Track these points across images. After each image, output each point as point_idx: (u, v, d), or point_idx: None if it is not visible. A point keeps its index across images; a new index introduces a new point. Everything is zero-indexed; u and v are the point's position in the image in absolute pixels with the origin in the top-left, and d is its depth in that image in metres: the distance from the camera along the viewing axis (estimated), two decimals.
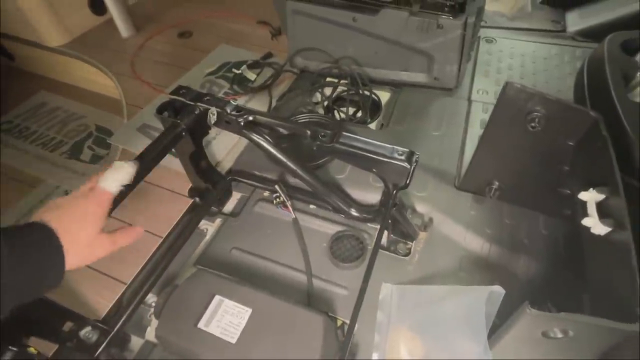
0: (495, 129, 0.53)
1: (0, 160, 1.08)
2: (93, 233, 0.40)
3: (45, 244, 0.36)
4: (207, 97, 0.60)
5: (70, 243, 0.37)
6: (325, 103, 0.95)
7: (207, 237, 0.71)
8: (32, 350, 0.40)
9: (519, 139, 0.52)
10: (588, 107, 0.54)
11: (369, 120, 0.92)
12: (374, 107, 0.95)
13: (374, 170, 0.55)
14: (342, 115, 0.95)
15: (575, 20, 1.10)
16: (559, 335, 0.31)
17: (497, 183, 0.62)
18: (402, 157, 0.51)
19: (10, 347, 0.38)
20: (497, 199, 0.64)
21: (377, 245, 0.50)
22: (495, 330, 0.38)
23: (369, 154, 0.53)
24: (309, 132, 0.57)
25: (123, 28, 1.21)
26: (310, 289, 0.59)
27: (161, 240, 0.70)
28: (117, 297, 0.62)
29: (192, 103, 0.60)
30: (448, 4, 0.79)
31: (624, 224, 0.34)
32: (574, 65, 0.98)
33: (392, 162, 0.51)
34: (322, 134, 0.56)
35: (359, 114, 0.95)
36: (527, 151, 0.53)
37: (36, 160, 1.08)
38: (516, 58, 1.02)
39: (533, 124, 0.47)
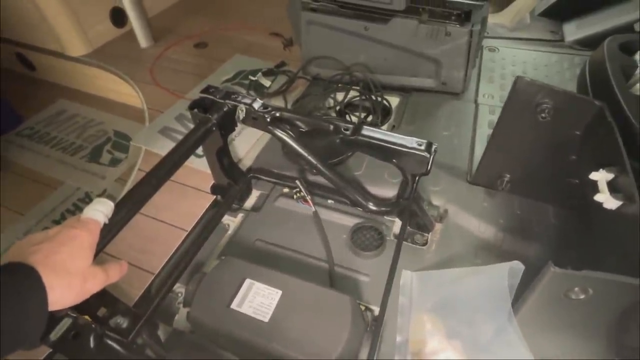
0: (506, 122, 0.57)
1: (23, 164, 1.12)
2: (85, 264, 0.37)
3: (23, 286, 0.31)
4: (236, 95, 0.64)
5: (59, 277, 0.33)
6: (338, 108, 1.00)
7: (230, 231, 0.74)
8: (87, 318, 0.42)
9: (529, 131, 0.56)
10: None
11: (380, 123, 0.97)
12: (385, 112, 0.99)
13: (394, 160, 0.58)
14: (354, 119, 0.99)
15: (572, 31, 1.17)
16: (581, 295, 0.34)
17: (508, 176, 0.65)
18: (422, 147, 0.55)
19: (69, 313, 0.40)
20: (508, 192, 0.67)
21: (403, 230, 0.53)
22: (518, 299, 0.40)
23: (390, 145, 0.57)
24: (332, 126, 0.60)
25: (142, 39, 1.27)
26: (332, 274, 0.62)
27: (186, 233, 0.73)
28: (147, 285, 0.65)
29: (221, 101, 0.64)
30: (455, 13, 0.85)
31: (634, 196, 0.37)
32: (573, 72, 1.04)
33: (412, 152, 0.55)
34: (345, 127, 0.60)
35: (370, 118, 0.99)
36: (537, 143, 0.57)
37: (57, 164, 1.12)
38: (518, 65, 1.08)
39: (543, 115, 0.51)
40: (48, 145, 1.19)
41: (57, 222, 0.95)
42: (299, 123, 0.63)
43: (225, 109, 0.64)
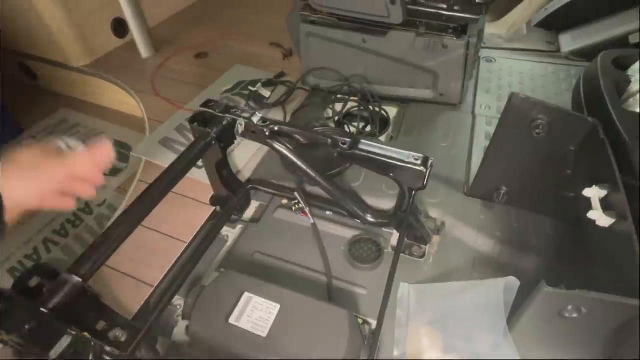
0: (502, 136, 0.58)
1: None
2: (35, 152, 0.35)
3: None
4: (235, 109, 0.65)
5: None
6: (336, 118, 1.01)
7: (229, 242, 0.75)
8: (86, 335, 0.42)
9: (525, 146, 0.57)
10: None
11: (378, 134, 0.98)
12: (383, 122, 1.00)
13: (391, 174, 0.59)
14: (353, 130, 1.00)
15: (568, 42, 1.18)
16: (574, 314, 0.34)
17: (504, 188, 0.66)
18: (418, 162, 0.55)
19: (69, 330, 0.41)
20: (505, 204, 0.68)
21: (400, 244, 0.53)
22: (513, 315, 0.41)
23: (386, 160, 0.57)
24: (330, 140, 0.61)
25: (143, 49, 1.29)
26: (330, 288, 0.62)
27: (185, 245, 0.73)
28: (145, 298, 0.65)
29: (221, 115, 0.65)
30: (452, 26, 0.86)
31: (626, 215, 0.38)
32: (569, 83, 1.05)
33: (409, 167, 0.56)
34: (342, 141, 0.61)
35: (368, 128, 1.00)
36: (533, 157, 0.58)
37: None
38: (515, 76, 1.09)
39: (538, 130, 0.52)
40: None
41: (57, 232, 0.96)
42: (297, 137, 0.64)
43: (224, 123, 0.65)
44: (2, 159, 0.33)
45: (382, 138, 0.97)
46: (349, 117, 1.04)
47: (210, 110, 0.65)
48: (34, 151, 0.36)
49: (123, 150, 1.18)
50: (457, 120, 0.93)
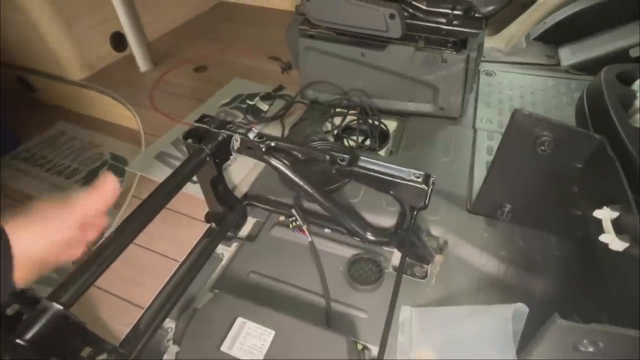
0: (505, 153, 0.56)
1: (17, 188, 1.11)
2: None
3: None
4: (230, 125, 0.64)
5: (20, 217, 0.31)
6: (335, 132, 0.99)
7: (224, 261, 0.72)
8: None
9: (529, 163, 0.55)
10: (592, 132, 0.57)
11: (378, 148, 0.96)
12: (382, 136, 0.99)
13: (391, 192, 0.57)
14: (352, 143, 0.98)
15: (568, 56, 1.18)
16: (590, 348, 0.32)
17: (508, 205, 0.64)
18: (420, 180, 0.54)
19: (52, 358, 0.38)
20: (509, 222, 0.66)
21: (402, 265, 0.51)
22: (524, 347, 0.38)
23: (386, 177, 0.55)
24: (328, 157, 0.59)
25: (142, 63, 1.29)
26: (329, 311, 0.59)
27: (178, 264, 0.71)
28: (135, 321, 0.62)
29: (216, 130, 0.63)
30: (451, 40, 0.85)
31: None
32: (570, 96, 1.04)
33: (409, 185, 0.54)
34: (341, 158, 0.59)
35: (367, 142, 0.99)
36: (537, 174, 0.56)
37: (51, 188, 1.10)
38: (515, 90, 1.08)
39: (543, 148, 0.50)
40: (44, 169, 1.18)
41: None
42: (294, 153, 0.62)
43: (219, 139, 0.63)
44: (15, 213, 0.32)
45: (382, 152, 0.95)
46: (348, 130, 1.03)
47: (204, 126, 0.64)
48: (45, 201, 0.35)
49: (119, 164, 1.16)
50: (457, 134, 0.91)
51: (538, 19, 1.31)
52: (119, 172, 1.13)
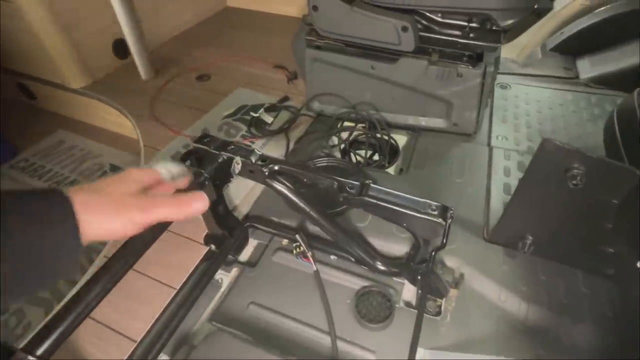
0: (531, 183, 0.52)
1: None
2: (127, 189, 0.32)
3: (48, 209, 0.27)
4: (232, 146, 0.59)
5: (93, 196, 0.30)
6: (342, 146, 0.95)
7: (223, 288, 0.68)
8: None
9: (557, 195, 0.50)
10: (625, 161, 0.52)
11: (387, 164, 0.91)
12: (392, 151, 0.94)
13: (404, 224, 0.52)
14: (359, 159, 0.94)
15: (587, 68, 1.12)
16: None
17: (530, 237, 0.59)
18: (436, 213, 0.49)
19: None
20: (531, 254, 0.61)
21: (421, 312, 0.46)
22: None
23: (399, 208, 0.51)
24: (336, 184, 0.55)
25: (143, 71, 1.25)
26: (335, 353, 0.55)
27: (174, 291, 0.67)
28: (127, 356, 0.58)
29: (216, 152, 0.59)
30: (467, 54, 0.81)
31: None
32: (590, 112, 0.98)
33: (424, 218, 0.49)
34: (350, 185, 0.54)
35: (376, 157, 0.94)
36: (566, 207, 0.51)
37: None
38: (532, 104, 1.03)
39: (574, 182, 0.46)
40: (42, 180, 1.14)
41: None
42: (299, 177, 0.58)
43: (219, 161, 0.59)
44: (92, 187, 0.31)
45: (392, 169, 0.90)
46: (355, 143, 0.98)
47: (204, 147, 0.60)
48: (123, 186, 0.33)
49: None
50: (472, 152, 0.86)
51: (553, 29, 1.26)
52: None
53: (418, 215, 0.49)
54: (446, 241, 0.47)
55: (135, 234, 0.33)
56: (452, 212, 0.49)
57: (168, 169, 0.41)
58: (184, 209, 0.35)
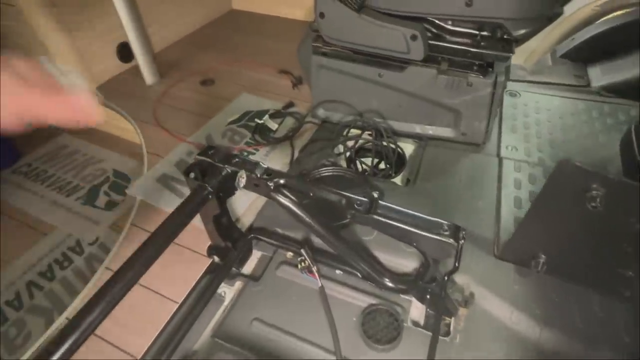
0: (546, 203, 0.50)
1: (15, 205, 1.07)
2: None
3: None
4: (237, 160, 0.58)
5: None
6: (348, 154, 0.93)
7: (226, 302, 0.66)
8: None
9: (574, 216, 0.48)
10: None
11: (394, 174, 0.90)
12: (399, 160, 0.92)
13: (414, 244, 0.51)
14: (365, 167, 0.92)
15: (598, 76, 1.10)
16: None
17: (543, 256, 0.57)
18: (447, 233, 0.47)
19: None
20: (544, 274, 0.58)
21: (436, 336, 0.44)
22: None
23: (409, 227, 0.49)
24: (343, 200, 0.53)
25: (148, 75, 1.24)
26: None
27: (177, 306, 0.65)
28: None
29: (220, 165, 0.58)
30: (477, 63, 0.79)
31: None
32: (603, 122, 0.96)
33: (435, 238, 0.47)
34: (358, 202, 0.53)
35: (382, 165, 0.92)
36: (583, 228, 0.49)
37: (51, 206, 1.06)
38: (542, 113, 1.00)
39: (594, 204, 0.44)
40: (44, 185, 1.14)
41: (43, 274, 0.88)
42: (304, 192, 0.56)
43: (223, 174, 0.58)
44: None
45: (398, 179, 0.88)
46: (361, 151, 0.97)
47: (208, 160, 0.58)
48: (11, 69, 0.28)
49: (121, 181, 1.12)
50: (481, 164, 0.84)
51: (562, 35, 1.23)
52: (121, 191, 1.08)
53: (429, 235, 0.48)
54: (459, 264, 0.45)
55: None
56: (464, 232, 0.47)
57: (59, 70, 0.33)
58: (64, 103, 0.29)
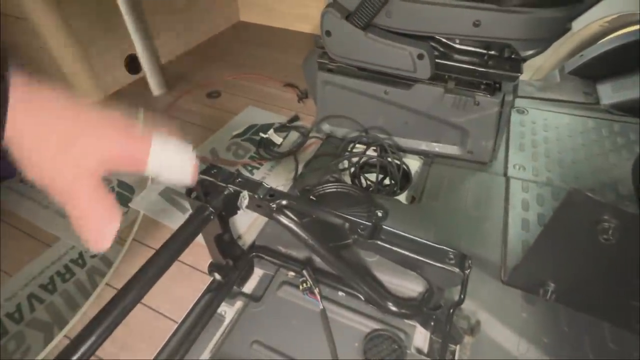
0: (556, 233, 0.48)
1: (20, 215, 1.07)
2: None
3: None
4: (239, 180, 0.57)
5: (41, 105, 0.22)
6: (352, 169, 0.93)
7: (226, 322, 0.65)
8: None
9: (585, 247, 0.46)
10: None
11: (399, 190, 0.89)
12: (404, 177, 0.91)
13: (418, 271, 0.49)
14: (369, 183, 0.91)
15: (608, 94, 1.08)
16: None
17: (552, 285, 0.55)
18: (453, 262, 0.46)
19: None
20: (553, 302, 0.57)
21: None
22: None
23: (414, 254, 0.48)
24: (347, 224, 0.52)
25: (155, 86, 1.26)
26: None
27: (176, 326, 0.64)
28: None
29: (223, 184, 0.57)
30: (484, 82, 0.78)
31: None
32: (613, 141, 0.94)
33: (440, 267, 0.46)
34: (361, 227, 0.52)
35: (386, 181, 0.91)
36: (594, 260, 0.47)
37: (55, 216, 1.06)
38: (551, 131, 0.99)
39: (606, 236, 0.42)
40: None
41: (44, 287, 0.88)
42: (308, 214, 0.56)
43: (226, 193, 0.57)
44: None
45: (403, 197, 0.87)
46: (366, 166, 0.96)
47: (210, 179, 0.58)
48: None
49: (126, 193, 1.12)
50: (488, 183, 0.83)
51: (570, 51, 1.22)
52: (125, 202, 1.09)
53: (434, 263, 0.46)
54: (464, 297, 0.44)
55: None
56: (470, 261, 0.46)
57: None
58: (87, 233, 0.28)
